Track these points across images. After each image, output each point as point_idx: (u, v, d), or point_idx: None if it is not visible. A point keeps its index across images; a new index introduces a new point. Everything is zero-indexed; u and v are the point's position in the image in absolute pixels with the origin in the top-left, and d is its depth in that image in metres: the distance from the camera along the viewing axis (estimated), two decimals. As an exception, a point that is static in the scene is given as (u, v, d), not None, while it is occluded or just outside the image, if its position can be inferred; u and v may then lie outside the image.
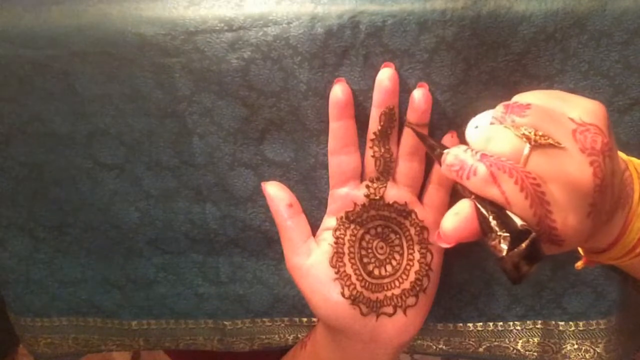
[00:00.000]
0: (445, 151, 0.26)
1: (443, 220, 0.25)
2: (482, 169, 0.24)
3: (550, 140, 0.23)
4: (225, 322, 0.40)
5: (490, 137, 0.25)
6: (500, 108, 0.26)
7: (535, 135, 0.23)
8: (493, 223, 0.23)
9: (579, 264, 0.32)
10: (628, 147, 0.32)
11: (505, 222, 0.23)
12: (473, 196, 0.24)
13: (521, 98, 0.26)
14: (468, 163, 0.24)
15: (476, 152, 0.24)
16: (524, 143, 0.23)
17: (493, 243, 0.23)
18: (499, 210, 0.23)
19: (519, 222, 0.23)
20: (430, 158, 0.33)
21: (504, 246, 0.22)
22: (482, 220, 0.24)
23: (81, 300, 0.40)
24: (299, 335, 0.40)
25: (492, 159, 0.24)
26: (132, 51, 0.31)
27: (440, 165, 0.27)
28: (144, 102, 0.33)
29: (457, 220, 0.24)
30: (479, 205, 0.24)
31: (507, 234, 0.22)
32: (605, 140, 0.23)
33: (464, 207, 0.25)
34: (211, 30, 0.30)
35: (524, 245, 0.22)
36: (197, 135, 0.33)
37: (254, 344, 0.41)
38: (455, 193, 0.26)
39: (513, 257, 0.22)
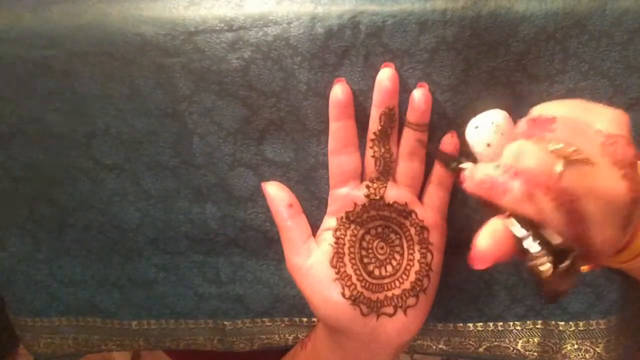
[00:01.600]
0: (471, 168, 0.25)
1: (477, 241, 0.24)
2: (516, 186, 0.23)
3: (582, 156, 0.22)
4: (225, 322, 0.40)
5: (520, 153, 0.24)
6: (524, 123, 0.25)
7: (567, 150, 0.23)
8: (531, 243, 0.22)
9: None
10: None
11: (543, 241, 0.22)
12: (507, 213, 0.23)
13: (543, 110, 0.25)
14: (499, 181, 0.24)
15: (507, 169, 0.24)
16: (555, 159, 0.23)
17: (531, 264, 0.22)
18: (534, 228, 0.22)
19: (557, 240, 0.22)
20: (431, 158, 0.33)
21: (547, 266, 0.21)
22: (518, 240, 0.23)
23: (81, 300, 0.40)
24: (299, 335, 0.40)
25: (525, 175, 0.23)
26: (132, 51, 0.31)
27: (460, 180, 0.26)
28: (144, 102, 0.33)
29: (492, 240, 0.24)
30: (514, 224, 0.23)
31: (549, 254, 0.21)
32: (635, 152, 0.23)
33: (498, 226, 0.24)
34: (211, 30, 0.30)
35: (566, 263, 0.21)
36: (197, 135, 0.33)
37: (254, 344, 0.41)
38: (482, 207, 0.25)
39: (556, 277, 0.21)
